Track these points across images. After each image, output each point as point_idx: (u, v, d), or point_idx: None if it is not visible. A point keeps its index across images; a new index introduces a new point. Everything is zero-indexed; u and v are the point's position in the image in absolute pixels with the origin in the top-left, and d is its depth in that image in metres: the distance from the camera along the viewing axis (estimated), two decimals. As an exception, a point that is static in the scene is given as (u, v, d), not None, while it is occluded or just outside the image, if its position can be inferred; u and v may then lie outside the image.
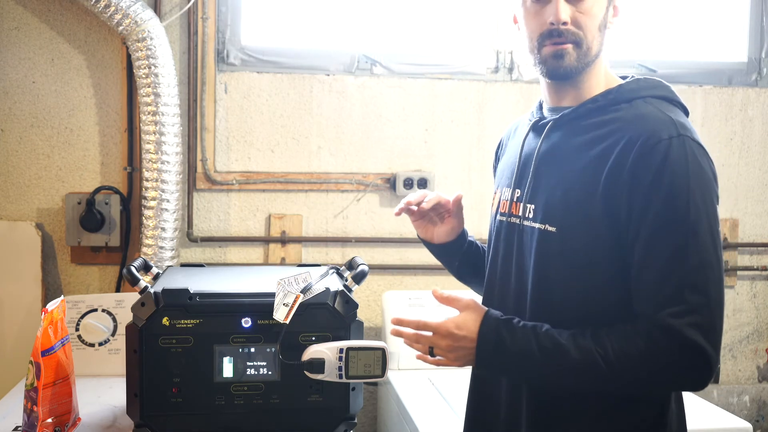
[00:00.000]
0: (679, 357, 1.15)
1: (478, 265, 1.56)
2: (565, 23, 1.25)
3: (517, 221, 1.35)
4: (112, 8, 2.40)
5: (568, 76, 1.30)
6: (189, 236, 2.66)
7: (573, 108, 1.32)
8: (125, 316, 2.11)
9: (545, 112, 1.39)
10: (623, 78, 1.35)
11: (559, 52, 1.27)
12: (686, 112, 1.32)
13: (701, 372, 1.16)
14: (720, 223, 1.22)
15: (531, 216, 1.32)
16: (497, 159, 1.58)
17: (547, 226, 1.27)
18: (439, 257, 1.60)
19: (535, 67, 1.33)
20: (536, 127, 1.39)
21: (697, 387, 1.21)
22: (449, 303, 1.31)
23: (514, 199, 1.37)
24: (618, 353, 1.17)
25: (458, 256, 1.57)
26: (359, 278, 1.65)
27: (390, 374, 2.33)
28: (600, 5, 1.28)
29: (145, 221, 2.46)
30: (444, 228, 1.54)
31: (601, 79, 1.32)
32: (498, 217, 1.43)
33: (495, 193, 1.48)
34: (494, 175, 1.58)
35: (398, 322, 1.31)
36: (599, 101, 1.30)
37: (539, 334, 1.22)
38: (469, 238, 1.59)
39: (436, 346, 1.28)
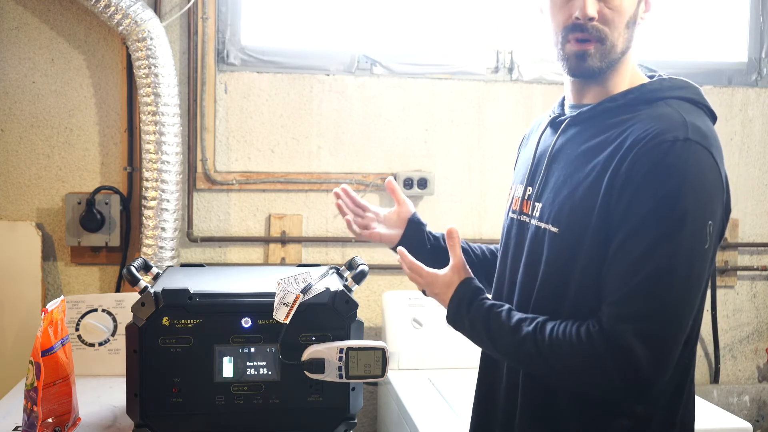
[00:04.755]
0: (609, 359, 1.10)
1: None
2: (591, 18, 1.21)
3: (527, 219, 1.33)
4: (112, 8, 2.40)
5: (590, 76, 1.26)
6: (189, 236, 2.66)
7: (591, 106, 1.27)
8: (125, 316, 2.11)
9: (566, 109, 1.35)
10: (651, 77, 1.29)
11: (582, 53, 1.23)
12: (713, 116, 1.25)
13: (629, 379, 1.10)
14: (716, 243, 1.15)
15: (537, 215, 1.29)
16: (518, 155, 1.53)
17: (550, 226, 1.24)
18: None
19: (557, 63, 1.28)
20: (554, 124, 1.35)
21: (622, 395, 1.15)
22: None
23: (526, 197, 1.35)
24: (552, 343, 1.16)
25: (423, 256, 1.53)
26: (359, 278, 1.65)
27: (390, 374, 2.32)
28: (630, 0, 1.22)
29: (145, 221, 2.46)
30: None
31: (627, 76, 1.27)
32: (510, 214, 1.40)
33: (510, 189, 1.45)
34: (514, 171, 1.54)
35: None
36: (618, 100, 1.25)
37: (491, 315, 1.26)
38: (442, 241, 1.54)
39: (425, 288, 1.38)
